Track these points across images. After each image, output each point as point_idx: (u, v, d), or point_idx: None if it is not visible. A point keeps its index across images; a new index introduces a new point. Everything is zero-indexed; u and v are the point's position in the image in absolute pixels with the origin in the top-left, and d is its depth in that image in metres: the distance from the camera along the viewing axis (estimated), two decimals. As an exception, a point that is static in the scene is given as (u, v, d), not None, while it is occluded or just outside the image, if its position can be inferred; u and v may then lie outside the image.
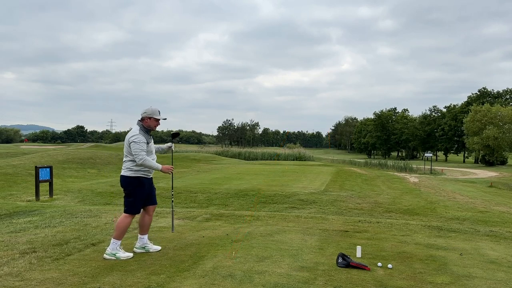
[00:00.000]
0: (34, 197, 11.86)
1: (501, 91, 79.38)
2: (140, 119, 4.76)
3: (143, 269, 4.09)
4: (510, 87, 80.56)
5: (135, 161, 4.58)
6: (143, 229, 4.88)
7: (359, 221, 7.34)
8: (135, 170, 4.62)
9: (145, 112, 4.72)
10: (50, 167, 12.48)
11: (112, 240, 4.59)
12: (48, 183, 12.27)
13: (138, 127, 4.69)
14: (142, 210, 4.87)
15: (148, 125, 4.72)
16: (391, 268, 4.30)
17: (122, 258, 4.47)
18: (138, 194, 4.66)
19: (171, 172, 4.78)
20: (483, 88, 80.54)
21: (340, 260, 4.37)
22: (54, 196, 12.26)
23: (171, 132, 4.59)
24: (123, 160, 4.76)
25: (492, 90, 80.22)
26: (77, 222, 6.65)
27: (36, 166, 12.24)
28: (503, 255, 5.08)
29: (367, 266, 4.27)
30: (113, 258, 4.47)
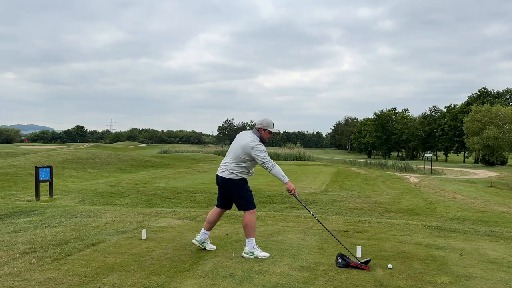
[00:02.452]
0: (34, 197, 11.86)
1: (501, 91, 79.38)
2: (256, 128, 4.80)
3: (143, 269, 4.09)
4: (510, 87, 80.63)
5: (241, 166, 4.67)
6: (210, 225, 4.94)
7: (359, 221, 7.34)
8: (239, 173, 4.70)
9: (260, 124, 4.78)
10: (50, 167, 12.48)
11: (247, 240, 4.67)
12: (48, 183, 12.27)
13: (256, 136, 4.72)
14: (217, 207, 4.96)
15: (262, 136, 4.77)
16: (391, 268, 4.30)
17: (260, 257, 4.55)
18: (248, 189, 4.78)
19: (293, 193, 4.66)
20: (483, 88, 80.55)
21: (339, 260, 4.36)
22: (54, 196, 12.26)
23: (365, 260, 4.41)
24: (226, 162, 4.79)
25: (492, 90, 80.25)
26: (77, 222, 6.65)
27: (36, 166, 12.24)
28: (503, 255, 5.08)
29: (366, 266, 4.27)
30: (252, 257, 4.56)
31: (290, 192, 4.67)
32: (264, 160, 4.58)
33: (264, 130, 4.76)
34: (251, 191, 4.84)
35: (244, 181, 4.77)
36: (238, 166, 4.69)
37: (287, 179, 4.65)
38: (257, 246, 4.73)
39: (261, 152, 4.59)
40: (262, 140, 4.75)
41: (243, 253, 4.65)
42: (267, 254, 4.65)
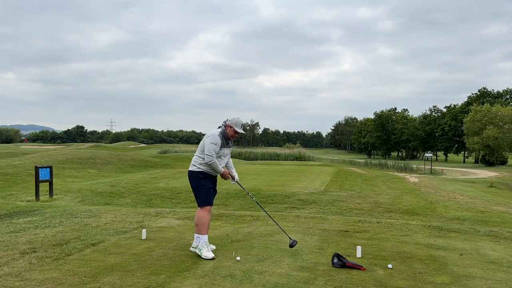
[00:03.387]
0: (34, 197, 11.86)
1: (501, 91, 79.39)
2: (224, 124, 4.93)
3: (143, 269, 4.09)
4: (510, 87, 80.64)
5: (202, 157, 4.77)
6: None
7: (359, 221, 7.34)
8: (199, 164, 4.80)
9: (229, 121, 4.93)
10: (50, 167, 12.48)
11: (195, 235, 4.72)
12: (48, 183, 12.28)
13: (219, 131, 4.86)
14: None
15: (227, 132, 4.89)
16: (391, 268, 4.30)
17: (203, 256, 4.55)
18: (205, 185, 4.82)
19: (227, 179, 4.91)
20: (483, 88, 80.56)
21: (335, 260, 4.36)
22: (54, 196, 12.26)
23: (292, 241, 4.81)
24: (194, 155, 4.95)
25: (492, 90, 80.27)
26: (77, 222, 6.64)
27: (36, 166, 12.24)
28: (503, 255, 5.08)
29: (362, 266, 4.27)
30: (198, 253, 4.62)
31: (226, 177, 4.86)
32: (207, 152, 4.69)
33: (231, 127, 4.90)
34: (209, 188, 4.85)
35: (203, 174, 4.81)
36: (198, 158, 4.82)
37: (222, 171, 4.81)
38: (208, 245, 4.68)
39: (210, 144, 4.69)
40: (226, 136, 4.87)
41: (191, 248, 4.75)
42: (212, 255, 4.55)
